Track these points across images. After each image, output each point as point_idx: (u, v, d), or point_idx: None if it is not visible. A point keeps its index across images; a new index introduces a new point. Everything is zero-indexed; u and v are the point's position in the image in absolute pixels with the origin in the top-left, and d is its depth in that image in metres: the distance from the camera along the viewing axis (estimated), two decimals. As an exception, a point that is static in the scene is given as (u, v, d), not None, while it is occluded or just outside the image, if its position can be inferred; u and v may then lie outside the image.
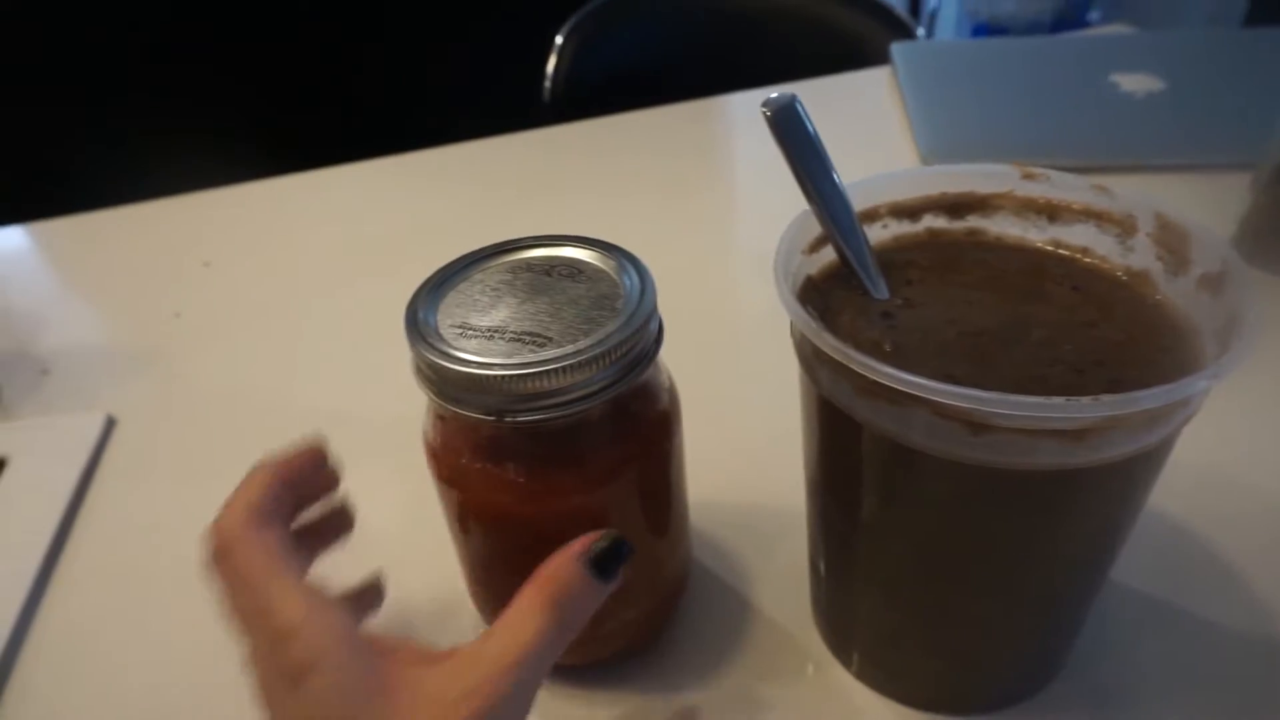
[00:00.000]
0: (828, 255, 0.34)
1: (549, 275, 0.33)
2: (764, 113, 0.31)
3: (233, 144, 0.96)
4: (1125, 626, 0.38)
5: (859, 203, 0.34)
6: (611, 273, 0.33)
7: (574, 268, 0.34)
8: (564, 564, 0.28)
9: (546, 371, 0.28)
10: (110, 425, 0.56)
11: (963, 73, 0.86)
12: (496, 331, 0.30)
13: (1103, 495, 0.28)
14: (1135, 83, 0.78)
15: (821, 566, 0.36)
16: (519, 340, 0.30)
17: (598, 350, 0.29)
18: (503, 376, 0.28)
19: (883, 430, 0.27)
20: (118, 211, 0.78)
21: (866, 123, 0.83)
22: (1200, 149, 0.70)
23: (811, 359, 0.29)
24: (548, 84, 1.11)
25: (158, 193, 0.79)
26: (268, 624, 0.27)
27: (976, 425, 0.25)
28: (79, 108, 1.30)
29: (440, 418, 0.33)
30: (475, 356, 0.29)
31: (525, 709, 0.27)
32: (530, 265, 0.34)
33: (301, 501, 0.34)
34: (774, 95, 0.31)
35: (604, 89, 1.07)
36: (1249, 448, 0.46)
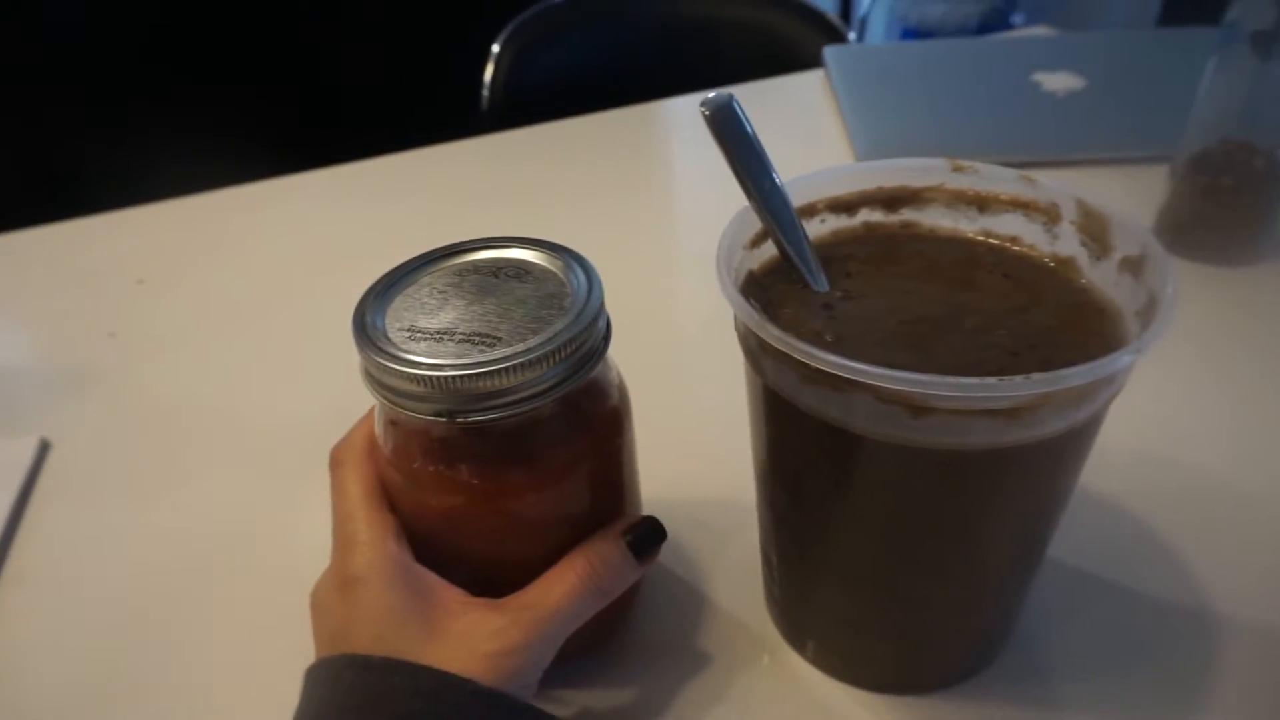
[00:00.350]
0: (769, 250, 0.35)
1: (496, 277, 0.33)
2: (702, 112, 0.32)
3: (162, 159, 0.94)
4: (1065, 602, 0.39)
5: (797, 198, 0.34)
6: (559, 272, 0.33)
7: (521, 268, 0.34)
8: (606, 539, 0.33)
9: (496, 371, 0.29)
10: (44, 448, 0.54)
11: (894, 74, 0.89)
12: (445, 333, 0.31)
13: (1038, 471, 0.29)
14: (1057, 81, 0.81)
15: (773, 556, 0.37)
16: (468, 341, 0.30)
17: (547, 348, 0.29)
18: (453, 377, 0.28)
19: (827, 417, 0.28)
20: (44, 230, 0.76)
21: (802, 124, 0.84)
22: (1119, 143, 0.73)
23: (756, 351, 0.30)
24: (485, 92, 1.10)
25: (88, 209, 0.76)
26: (341, 532, 0.32)
27: (917, 408, 0.26)
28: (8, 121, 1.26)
29: (392, 423, 0.33)
30: (425, 359, 0.29)
31: (543, 660, 0.30)
32: (477, 267, 0.34)
33: None
34: (711, 95, 0.32)
35: (542, 97, 1.07)
36: (1176, 426, 0.48)
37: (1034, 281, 0.34)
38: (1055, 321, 0.31)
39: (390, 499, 0.34)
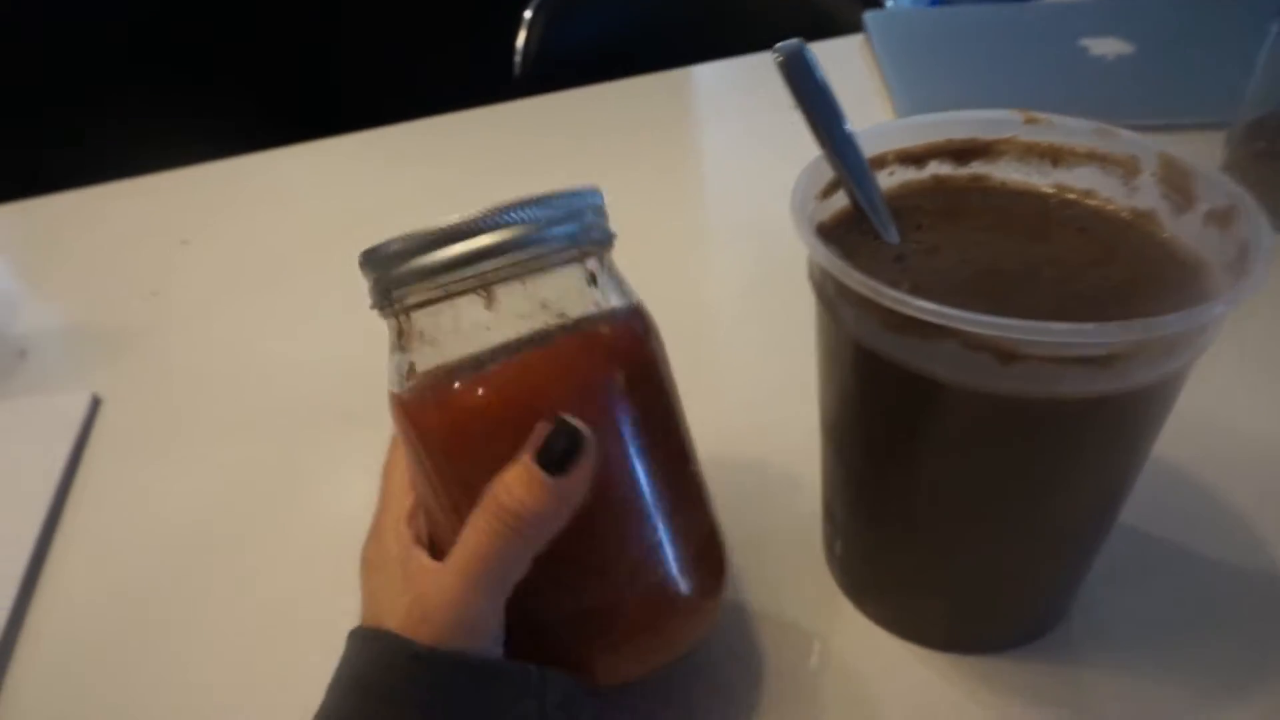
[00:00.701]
0: (838, 203, 0.34)
1: None
2: (775, 59, 0.31)
3: (205, 123, 0.94)
4: (1130, 566, 0.39)
5: (867, 149, 0.34)
6: None
7: None
8: (514, 463, 0.28)
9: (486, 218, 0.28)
10: (96, 404, 0.54)
11: (938, 40, 0.87)
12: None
13: (1123, 424, 0.29)
14: (1105, 46, 0.80)
15: (839, 512, 0.36)
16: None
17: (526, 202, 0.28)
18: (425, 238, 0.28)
19: (910, 366, 0.27)
20: (89, 191, 0.76)
21: (844, 90, 0.83)
22: (1170, 109, 0.71)
23: (835, 299, 0.29)
24: (517, 59, 1.10)
25: (132, 171, 0.77)
26: (375, 514, 0.33)
27: (1006, 355, 0.26)
28: (48, 88, 1.26)
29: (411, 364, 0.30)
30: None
31: (487, 609, 0.28)
32: None
33: None
34: (783, 43, 0.31)
35: (574, 64, 1.06)
36: (1241, 393, 0.47)
37: (1111, 235, 0.33)
38: (1136, 275, 0.31)
39: (425, 450, 0.31)
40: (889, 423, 0.30)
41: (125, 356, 0.59)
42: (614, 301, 0.31)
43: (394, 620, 0.29)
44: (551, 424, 0.28)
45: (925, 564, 0.34)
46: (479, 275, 0.28)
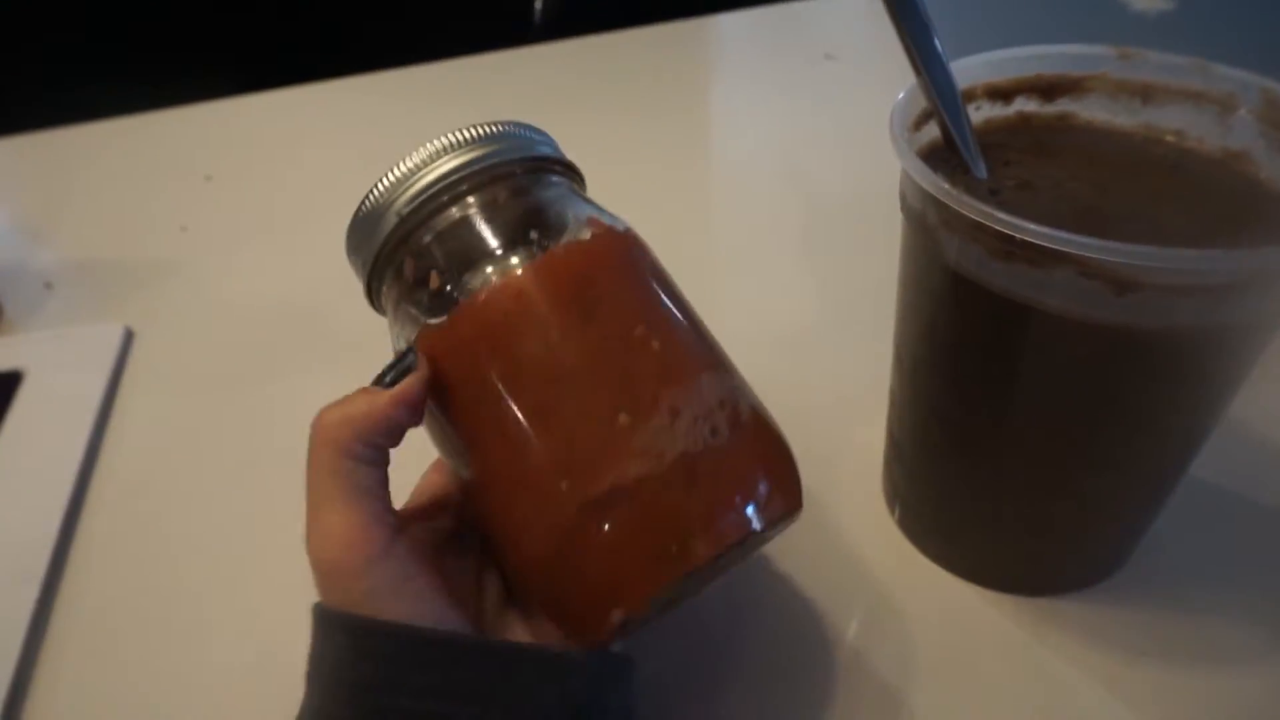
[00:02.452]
0: (922, 138, 0.33)
1: None
2: (878, -19, 0.30)
3: (226, 58, 0.91)
4: (1192, 514, 0.39)
5: (958, 81, 0.33)
6: None
7: None
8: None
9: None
10: (129, 337, 0.53)
11: (971, 4, 0.86)
12: None
13: (1224, 358, 0.28)
14: (1146, 2, 0.78)
15: (909, 450, 0.36)
16: None
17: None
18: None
19: (1018, 296, 0.27)
20: (113, 124, 0.74)
21: (883, 45, 0.82)
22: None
23: (937, 227, 0.29)
24: (538, 4, 1.07)
25: (153, 104, 0.75)
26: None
27: (1122, 284, 0.25)
28: (73, 21, 1.23)
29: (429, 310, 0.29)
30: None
31: (342, 525, 0.26)
32: None
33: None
34: (888, -34, 0.30)
35: (595, 10, 1.04)
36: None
37: (1204, 174, 0.32)
38: (1233, 213, 0.30)
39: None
40: (984, 356, 0.30)
41: (156, 291, 0.58)
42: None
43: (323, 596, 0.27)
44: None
45: (1002, 503, 0.34)
46: (455, 186, 0.29)
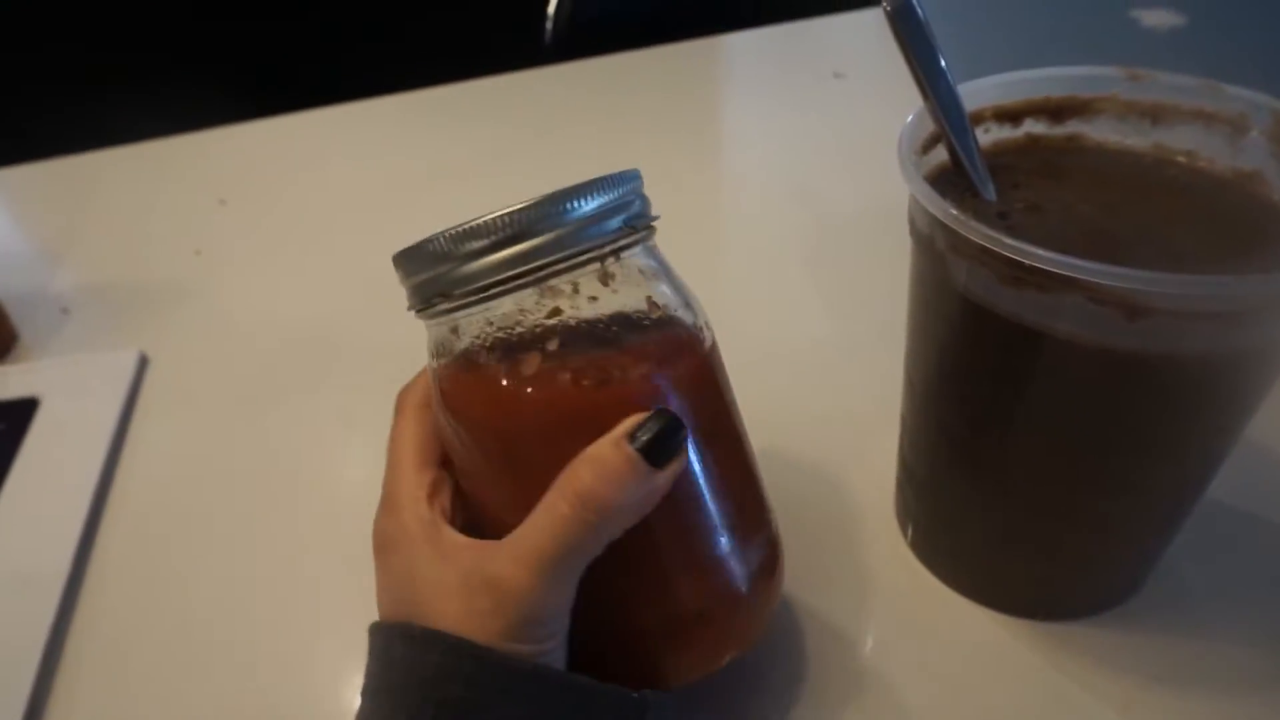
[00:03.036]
0: (931, 160, 0.33)
1: None
2: (884, 9, 0.30)
3: (239, 82, 0.92)
4: (1205, 539, 0.38)
5: (966, 105, 0.33)
6: None
7: None
8: (605, 443, 0.26)
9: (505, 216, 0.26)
10: (144, 362, 0.54)
11: (981, 13, 0.86)
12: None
13: (1236, 384, 0.28)
14: (1156, 18, 0.78)
15: (921, 473, 0.36)
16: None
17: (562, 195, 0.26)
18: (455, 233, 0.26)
19: (1027, 321, 0.27)
20: (128, 149, 0.75)
21: (891, 61, 0.82)
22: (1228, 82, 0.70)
23: (946, 252, 0.29)
24: (549, 25, 1.08)
25: (167, 130, 0.76)
26: (386, 486, 0.30)
27: (1133, 310, 0.25)
28: (82, 45, 1.25)
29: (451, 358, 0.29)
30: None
31: (554, 604, 0.26)
32: None
33: None
34: (895, -9, 0.30)
35: (605, 31, 1.04)
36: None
37: (1215, 196, 0.32)
38: (1245, 235, 0.30)
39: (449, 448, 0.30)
40: (994, 380, 0.30)
41: (170, 315, 0.58)
42: (669, 299, 0.29)
43: (449, 613, 0.26)
44: (648, 411, 0.26)
45: (1014, 526, 0.34)
46: (526, 274, 0.26)
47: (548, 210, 0.26)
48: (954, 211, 0.27)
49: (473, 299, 0.27)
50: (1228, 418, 0.29)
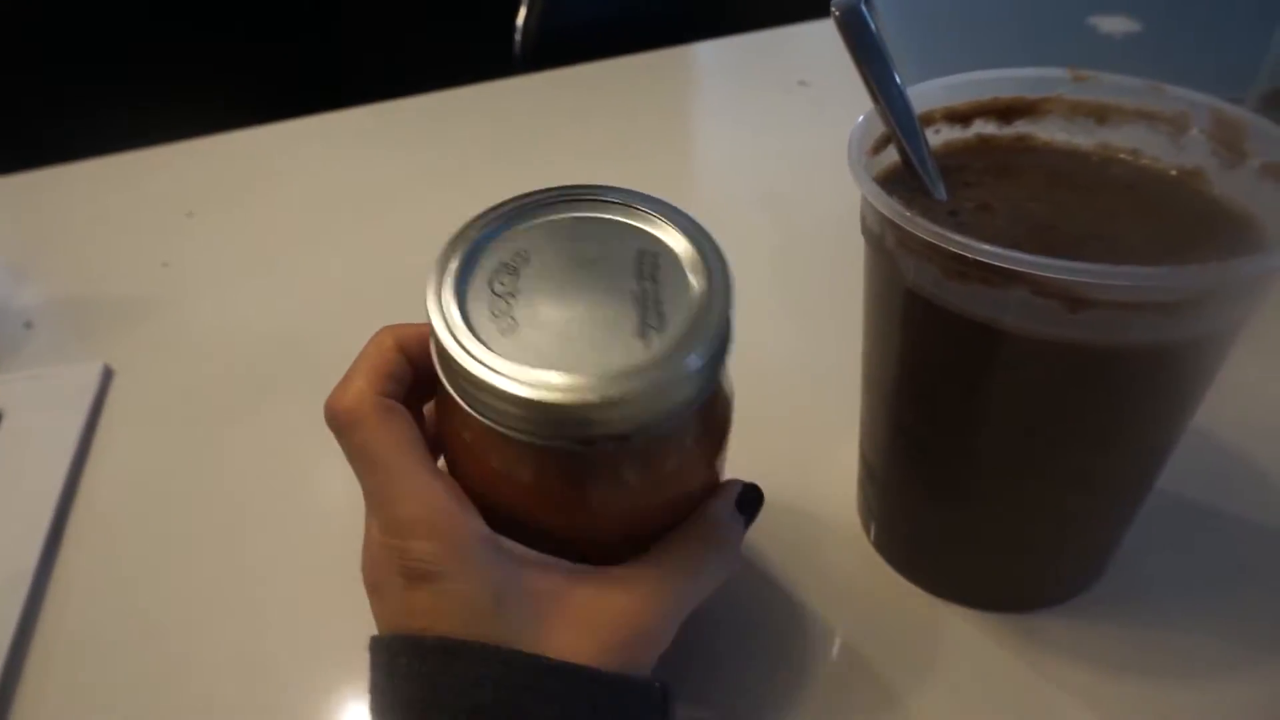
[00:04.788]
0: (884, 160, 0.34)
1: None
2: (833, 13, 0.31)
3: (203, 97, 0.92)
4: (1164, 524, 0.39)
5: (915, 107, 0.34)
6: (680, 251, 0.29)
7: (649, 248, 0.29)
8: (719, 499, 0.30)
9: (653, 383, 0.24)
10: (108, 375, 0.53)
11: (942, 18, 0.87)
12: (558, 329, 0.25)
13: (1183, 373, 0.29)
14: (1113, 25, 0.80)
15: (880, 470, 0.36)
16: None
17: (694, 350, 0.25)
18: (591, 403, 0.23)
19: (974, 315, 0.27)
20: (95, 163, 0.75)
21: (852, 69, 0.83)
22: (1185, 87, 0.72)
23: (895, 249, 0.29)
24: (518, 37, 1.09)
25: (130, 145, 0.75)
26: (388, 515, 0.26)
27: (1076, 302, 0.25)
28: (44, 60, 1.24)
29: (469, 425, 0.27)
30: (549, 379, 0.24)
31: (669, 638, 0.28)
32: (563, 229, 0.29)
33: (426, 382, 0.29)
34: (842, -2, 0.31)
35: (575, 41, 1.05)
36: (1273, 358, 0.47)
37: (1159, 193, 0.33)
38: (1188, 231, 0.31)
39: (449, 456, 0.29)
40: (945, 375, 0.30)
41: (137, 328, 0.58)
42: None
43: (520, 639, 0.25)
44: (741, 482, 0.32)
45: (972, 520, 0.34)
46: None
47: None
48: (901, 209, 0.27)
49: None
50: (1174, 407, 0.30)
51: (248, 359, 0.55)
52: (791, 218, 0.63)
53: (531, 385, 0.24)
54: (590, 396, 0.23)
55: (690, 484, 0.30)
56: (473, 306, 0.26)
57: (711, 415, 0.29)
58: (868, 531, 0.40)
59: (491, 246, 0.28)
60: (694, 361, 0.25)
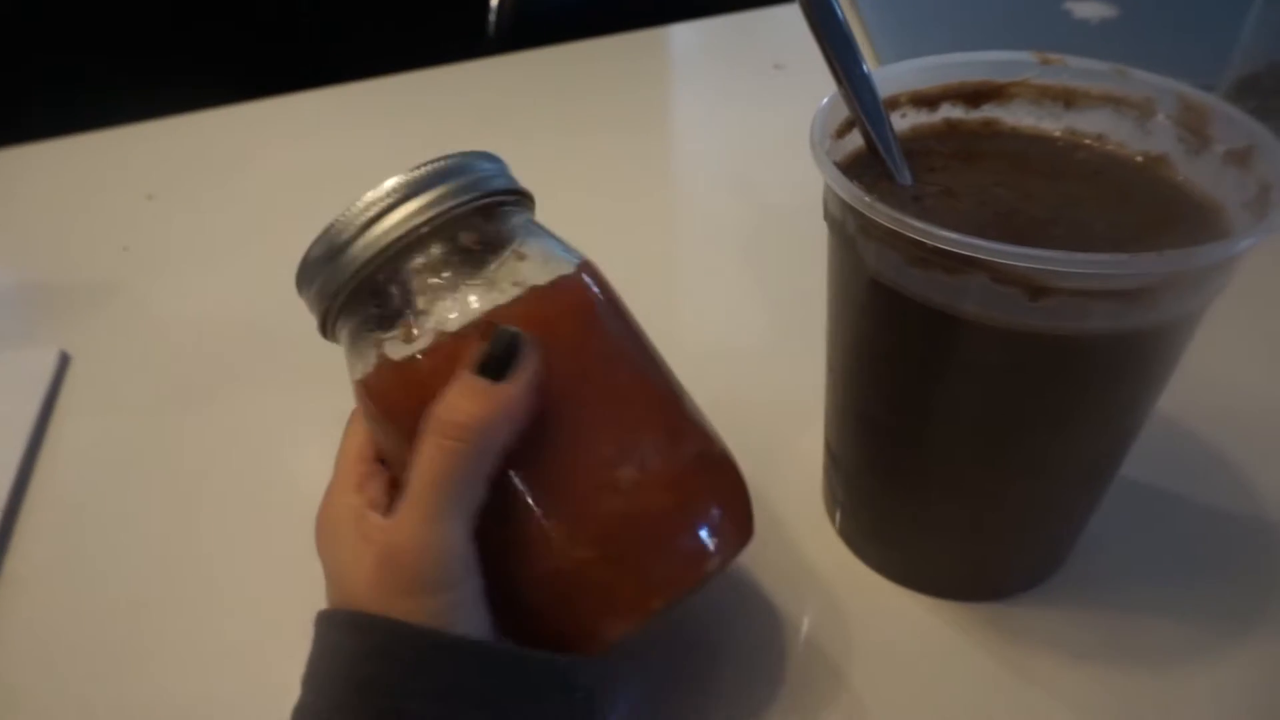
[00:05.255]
0: (852, 143, 0.33)
1: None
2: (799, -3, 0.30)
3: (167, 77, 0.90)
4: (1125, 512, 0.39)
5: (881, 90, 0.33)
6: None
7: None
8: (454, 379, 0.27)
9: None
10: (65, 361, 0.52)
11: (919, 7, 0.86)
12: None
13: (1143, 361, 0.28)
14: (1089, 10, 0.80)
15: (845, 458, 0.36)
16: None
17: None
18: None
19: (934, 303, 0.27)
20: (52, 144, 0.73)
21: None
22: (1160, 73, 0.71)
23: (856, 235, 0.29)
24: (491, 16, 1.07)
25: (92, 125, 0.74)
26: (329, 487, 0.30)
27: (1036, 290, 0.25)
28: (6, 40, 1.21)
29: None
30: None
31: (449, 541, 0.26)
32: None
33: None
34: (808, -20, 0.30)
35: (549, 21, 1.04)
36: (1232, 346, 0.47)
37: (1125, 178, 0.33)
38: (1153, 217, 0.31)
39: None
40: (907, 362, 0.30)
41: (95, 313, 0.56)
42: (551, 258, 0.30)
43: (363, 586, 0.27)
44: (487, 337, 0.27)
45: (936, 508, 0.34)
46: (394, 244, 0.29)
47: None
48: (861, 194, 0.27)
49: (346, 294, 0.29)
50: (1137, 394, 0.30)
51: (209, 346, 0.54)
52: (765, 201, 0.63)
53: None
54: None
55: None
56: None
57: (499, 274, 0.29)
58: (833, 520, 0.39)
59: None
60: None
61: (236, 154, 0.73)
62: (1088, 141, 0.34)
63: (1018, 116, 0.35)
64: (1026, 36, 0.79)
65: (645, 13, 0.91)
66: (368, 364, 0.29)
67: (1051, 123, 0.35)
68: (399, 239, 0.28)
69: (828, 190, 0.31)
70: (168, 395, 0.50)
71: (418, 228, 0.28)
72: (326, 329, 0.32)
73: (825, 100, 0.32)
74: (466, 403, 0.26)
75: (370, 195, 0.29)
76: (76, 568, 0.42)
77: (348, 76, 0.81)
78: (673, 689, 0.35)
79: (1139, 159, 0.33)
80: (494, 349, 0.27)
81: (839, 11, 0.31)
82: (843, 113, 0.32)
